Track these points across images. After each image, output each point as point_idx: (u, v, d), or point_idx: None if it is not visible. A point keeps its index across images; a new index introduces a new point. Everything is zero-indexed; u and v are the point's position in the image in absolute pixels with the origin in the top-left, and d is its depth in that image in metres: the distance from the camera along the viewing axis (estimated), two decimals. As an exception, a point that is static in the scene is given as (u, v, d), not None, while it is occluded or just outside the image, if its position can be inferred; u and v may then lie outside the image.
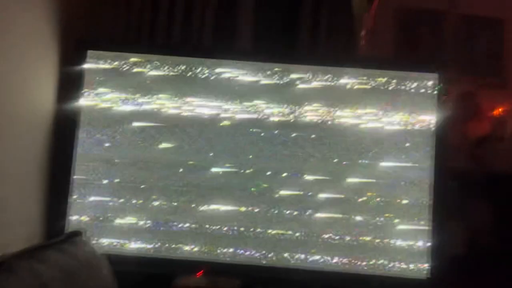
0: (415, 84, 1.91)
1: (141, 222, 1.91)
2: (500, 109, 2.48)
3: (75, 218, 1.90)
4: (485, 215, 2.11)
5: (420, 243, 1.87)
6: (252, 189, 1.91)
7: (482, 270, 1.99)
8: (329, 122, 1.91)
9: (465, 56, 2.57)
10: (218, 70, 1.94)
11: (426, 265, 1.85)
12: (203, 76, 1.94)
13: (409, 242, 1.87)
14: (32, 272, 1.07)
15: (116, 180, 1.92)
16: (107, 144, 1.93)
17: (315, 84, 1.93)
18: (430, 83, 1.92)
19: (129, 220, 1.91)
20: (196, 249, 1.90)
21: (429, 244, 1.85)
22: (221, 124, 1.93)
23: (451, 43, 2.55)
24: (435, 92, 1.91)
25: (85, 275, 1.22)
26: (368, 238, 1.88)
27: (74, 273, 1.18)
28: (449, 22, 2.56)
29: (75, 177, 1.91)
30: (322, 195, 1.90)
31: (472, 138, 2.39)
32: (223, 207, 1.91)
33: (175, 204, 1.91)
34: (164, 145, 1.94)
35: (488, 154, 2.30)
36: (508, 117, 2.46)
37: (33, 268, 1.08)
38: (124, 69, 1.95)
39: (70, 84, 1.93)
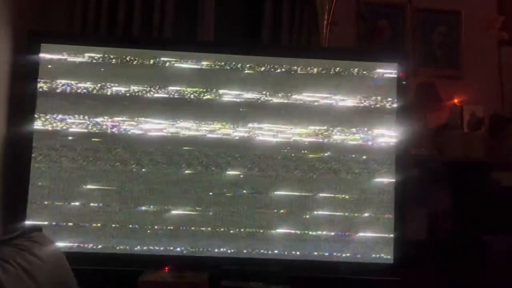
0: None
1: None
2: (457, 99, 2.56)
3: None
4: (444, 201, 2.18)
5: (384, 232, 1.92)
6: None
7: (442, 254, 2.05)
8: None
9: (423, 48, 2.63)
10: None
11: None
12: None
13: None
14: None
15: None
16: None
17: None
18: (390, 72, 1.98)
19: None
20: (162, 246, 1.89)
21: (392, 233, 1.91)
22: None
23: (409, 36, 2.61)
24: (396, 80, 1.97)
25: (43, 271, 1.17)
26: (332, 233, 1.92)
27: (32, 269, 1.13)
28: (407, 15, 2.61)
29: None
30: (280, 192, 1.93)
31: (431, 127, 2.45)
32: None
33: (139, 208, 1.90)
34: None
35: (446, 142, 2.37)
36: (465, 106, 2.53)
37: (-13, 264, 1.03)
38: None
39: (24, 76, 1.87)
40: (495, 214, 2.12)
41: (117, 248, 1.88)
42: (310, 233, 1.92)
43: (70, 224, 1.86)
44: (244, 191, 1.92)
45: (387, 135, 1.96)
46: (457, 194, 2.19)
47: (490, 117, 2.46)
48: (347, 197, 1.94)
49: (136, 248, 1.89)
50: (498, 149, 2.33)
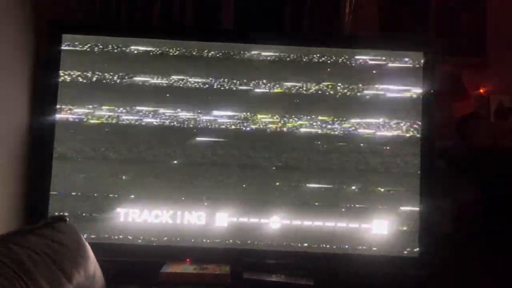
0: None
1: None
2: (483, 88, 2.48)
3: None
4: (472, 192, 2.11)
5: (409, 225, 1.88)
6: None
7: (470, 245, 1.99)
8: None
9: (448, 36, 2.56)
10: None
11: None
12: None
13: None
14: (12, 257, 1.02)
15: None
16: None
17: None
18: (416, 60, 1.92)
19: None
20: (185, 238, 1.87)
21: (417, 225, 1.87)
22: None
23: (433, 24, 2.53)
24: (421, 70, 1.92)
25: (69, 260, 1.17)
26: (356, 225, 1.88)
27: (58, 258, 1.13)
28: (431, 3, 2.54)
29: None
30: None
31: (457, 116, 2.39)
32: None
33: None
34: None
35: (473, 132, 2.30)
36: (491, 96, 2.46)
37: (13, 252, 1.03)
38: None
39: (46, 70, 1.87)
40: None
41: (139, 239, 1.87)
42: (334, 225, 1.89)
43: (94, 215, 1.86)
44: (277, 183, 1.89)
45: (413, 125, 1.91)
46: (485, 184, 2.13)
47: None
48: (372, 189, 1.89)
49: (157, 240, 1.88)
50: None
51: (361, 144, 1.91)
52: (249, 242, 1.88)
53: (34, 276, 1.01)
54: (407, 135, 1.92)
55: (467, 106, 2.45)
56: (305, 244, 1.88)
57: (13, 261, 1.01)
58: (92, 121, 1.89)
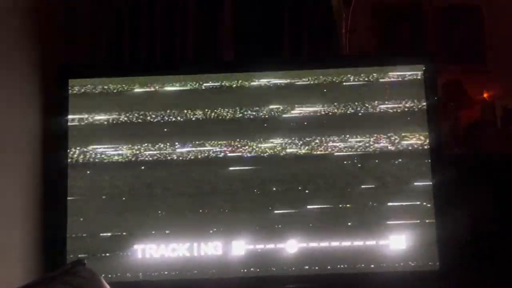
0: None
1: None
2: (486, 94, 2.49)
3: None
4: (485, 199, 2.10)
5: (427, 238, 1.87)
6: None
7: (487, 255, 1.97)
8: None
9: (447, 46, 2.59)
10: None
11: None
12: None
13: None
14: (37, 308, 1.02)
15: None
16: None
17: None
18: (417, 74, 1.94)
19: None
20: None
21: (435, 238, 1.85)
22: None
23: (431, 35, 2.57)
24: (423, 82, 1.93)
25: (92, 305, 1.17)
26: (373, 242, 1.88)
27: (82, 305, 1.13)
28: (427, 15, 2.58)
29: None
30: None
31: (463, 125, 2.39)
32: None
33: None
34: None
35: (481, 140, 2.30)
36: (496, 101, 2.47)
37: (37, 304, 1.04)
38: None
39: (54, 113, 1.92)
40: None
41: (155, 275, 1.87)
42: (350, 244, 1.88)
43: (108, 254, 1.87)
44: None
45: (420, 138, 1.92)
46: (498, 191, 2.12)
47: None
48: (386, 204, 1.89)
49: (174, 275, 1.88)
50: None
51: (374, 160, 1.91)
52: (267, 269, 1.87)
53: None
54: (415, 147, 1.92)
55: (473, 113, 2.46)
56: (328, 267, 1.87)
57: (37, 312, 1.01)
58: (105, 160, 1.92)
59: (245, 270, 1.87)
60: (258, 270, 1.87)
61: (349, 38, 2.16)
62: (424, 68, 1.93)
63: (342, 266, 1.87)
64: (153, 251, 1.89)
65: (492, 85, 2.52)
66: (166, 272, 1.87)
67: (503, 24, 2.57)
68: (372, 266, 1.87)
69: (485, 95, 2.51)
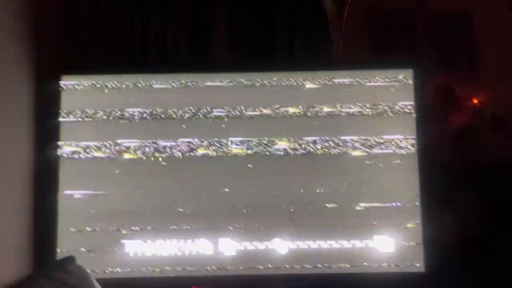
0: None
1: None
2: (476, 100, 2.53)
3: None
4: (473, 204, 2.14)
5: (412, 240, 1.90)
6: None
7: (474, 258, 2.01)
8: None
9: (438, 51, 2.62)
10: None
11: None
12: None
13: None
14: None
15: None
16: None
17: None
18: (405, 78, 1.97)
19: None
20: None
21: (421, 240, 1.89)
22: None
23: (423, 40, 2.60)
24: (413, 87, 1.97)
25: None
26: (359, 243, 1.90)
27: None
28: (419, 20, 2.61)
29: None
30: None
31: (453, 130, 2.43)
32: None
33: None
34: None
35: (470, 145, 2.34)
36: (485, 107, 2.50)
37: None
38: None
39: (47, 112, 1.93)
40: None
41: (145, 272, 1.89)
42: (336, 245, 1.91)
43: (99, 250, 1.89)
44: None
45: (408, 141, 1.95)
46: (485, 196, 2.15)
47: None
48: (371, 204, 1.92)
49: (164, 271, 1.90)
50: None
51: (360, 162, 1.94)
52: (256, 267, 1.90)
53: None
54: (403, 150, 1.95)
55: (462, 119, 2.49)
56: (314, 266, 1.89)
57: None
58: (96, 155, 1.93)
59: (230, 268, 1.90)
60: (246, 268, 1.90)
61: (344, 41, 2.18)
62: (412, 72, 1.97)
63: (325, 266, 1.90)
64: (143, 247, 1.90)
65: (482, 92, 2.55)
66: (156, 269, 1.89)
67: (495, 32, 2.61)
68: (357, 266, 1.90)
69: (475, 101, 2.54)
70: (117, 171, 1.93)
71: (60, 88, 1.95)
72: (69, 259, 1.32)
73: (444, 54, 2.59)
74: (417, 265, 1.90)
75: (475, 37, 2.62)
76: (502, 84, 2.52)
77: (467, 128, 2.40)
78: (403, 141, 1.95)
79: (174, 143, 1.95)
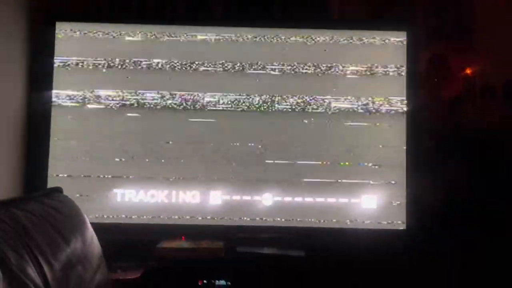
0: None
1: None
2: (469, 70, 2.54)
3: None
4: (460, 170, 2.17)
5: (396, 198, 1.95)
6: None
7: (458, 222, 2.05)
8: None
9: (435, 21, 2.62)
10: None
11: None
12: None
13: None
14: (13, 218, 1.08)
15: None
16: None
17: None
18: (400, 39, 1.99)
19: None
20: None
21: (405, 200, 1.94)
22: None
23: (421, 10, 2.59)
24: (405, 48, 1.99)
25: (66, 225, 1.23)
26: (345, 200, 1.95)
27: (55, 222, 1.19)
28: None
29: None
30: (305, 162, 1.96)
31: (444, 98, 2.45)
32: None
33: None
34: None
35: (460, 113, 2.36)
36: (478, 77, 2.52)
37: (13, 214, 1.09)
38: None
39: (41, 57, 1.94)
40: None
41: (132, 217, 1.93)
42: (322, 200, 1.95)
43: (87, 195, 1.92)
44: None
45: (398, 102, 1.98)
46: (473, 163, 2.19)
47: (503, 84, 2.44)
48: (358, 163, 1.96)
49: (153, 219, 1.94)
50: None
51: (348, 122, 1.97)
52: (242, 219, 1.94)
53: (33, 235, 1.07)
54: (393, 110, 1.98)
55: (454, 88, 2.51)
56: (298, 219, 1.94)
57: (13, 221, 1.06)
58: (89, 106, 1.95)
59: (220, 218, 1.94)
60: (233, 219, 1.94)
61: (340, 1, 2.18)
62: (406, 34, 1.98)
63: (312, 220, 1.95)
64: (133, 195, 1.94)
65: (475, 62, 2.57)
66: (144, 216, 1.94)
67: (492, 5, 2.61)
68: (343, 221, 1.95)
69: (468, 71, 2.56)
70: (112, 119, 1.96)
71: (54, 35, 1.95)
72: (57, 189, 1.35)
73: (440, 24, 2.60)
74: (400, 222, 1.96)
75: (473, 10, 2.62)
76: (495, 56, 2.54)
77: (458, 97, 2.42)
78: (393, 103, 1.98)
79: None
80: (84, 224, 1.30)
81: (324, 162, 1.96)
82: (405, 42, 2.01)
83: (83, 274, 1.17)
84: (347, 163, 1.96)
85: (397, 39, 2.01)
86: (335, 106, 1.97)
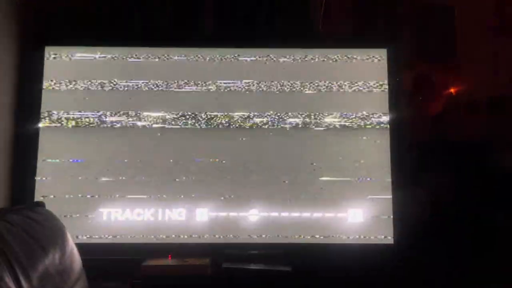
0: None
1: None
2: (453, 89, 2.59)
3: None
4: (445, 183, 2.19)
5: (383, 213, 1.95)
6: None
7: (444, 234, 2.05)
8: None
9: (419, 41, 2.68)
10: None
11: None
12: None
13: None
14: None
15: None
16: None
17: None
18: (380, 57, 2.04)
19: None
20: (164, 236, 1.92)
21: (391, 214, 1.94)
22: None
23: (405, 29, 2.66)
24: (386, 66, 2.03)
25: (45, 236, 1.22)
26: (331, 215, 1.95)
27: (34, 233, 1.19)
28: (404, 8, 2.66)
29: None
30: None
31: (430, 114, 2.49)
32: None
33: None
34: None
35: (444, 128, 2.40)
36: (460, 96, 2.57)
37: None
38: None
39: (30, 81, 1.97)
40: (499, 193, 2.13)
41: (118, 237, 1.93)
42: (308, 215, 1.95)
43: (75, 216, 1.92)
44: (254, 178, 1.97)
45: (382, 118, 2.01)
46: (457, 175, 2.20)
47: (487, 99, 2.49)
48: (344, 178, 1.97)
49: (139, 238, 1.93)
50: (496, 130, 2.36)
51: (334, 137, 1.99)
52: (229, 236, 1.93)
53: (10, 244, 1.07)
54: (378, 125, 2.01)
55: (438, 104, 2.55)
56: (285, 235, 1.93)
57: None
58: (75, 125, 1.98)
59: (206, 236, 1.93)
60: (219, 236, 1.94)
61: (324, 19, 2.23)
62: (386, 51, 2.03)
63: (301, 236, 1.94)
64: (119, 214, 1.94)
65: (459, 81, 2.62)
66: (129, 236, 1.93)
67: (474, 24, 2.68)
68: (330, 237, 1.94)
69: (452, 90, 2.61)
70: (97, 140, 1.97)
71: (43, 58, 2.00)
72: (38, 203, 1.36)
73: (425, 45, 2.66)
74: (389, 237, 1.95)
75: (456, 30, 2.69)
76: (480, 74, 2.59)
77: (441, 113, 2.46)
78: (376, 118, 2.01)
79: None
80: (63, 236, 1.30)
81: (310, 177, 1.97)
82: (384, 60, 2.06)
83: (62, 285, 1.16)
84: (333, 178, 1.97)
85: (380, 57, 2.05)
86: (320, 121, 2.00)
